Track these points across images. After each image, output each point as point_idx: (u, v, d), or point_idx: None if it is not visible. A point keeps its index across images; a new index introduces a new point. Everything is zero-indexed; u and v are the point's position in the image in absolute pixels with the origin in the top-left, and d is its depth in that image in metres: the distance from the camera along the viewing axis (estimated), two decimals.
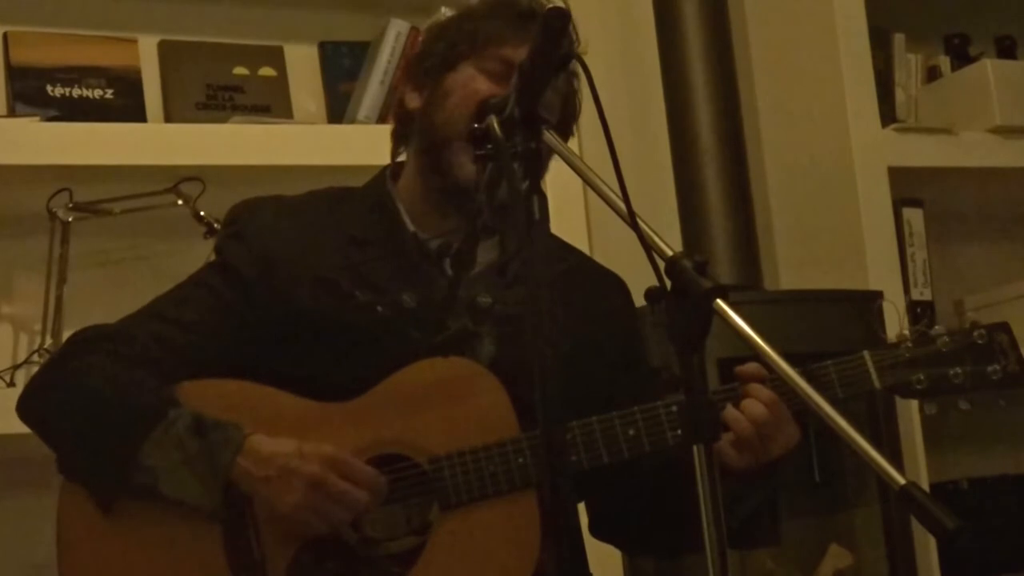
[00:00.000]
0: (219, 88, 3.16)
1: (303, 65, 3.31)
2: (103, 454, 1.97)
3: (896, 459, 3.12)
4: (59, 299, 2.94)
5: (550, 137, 1.71)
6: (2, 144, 2.84)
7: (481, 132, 1.72)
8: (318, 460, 1.91)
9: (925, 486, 3.05)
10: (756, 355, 1.61)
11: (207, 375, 2.02)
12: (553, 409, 1.58)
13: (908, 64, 3.69)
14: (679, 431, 1.93)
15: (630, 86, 3.55)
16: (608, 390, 2.05)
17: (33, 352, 2.96)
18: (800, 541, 3.24)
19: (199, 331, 2.05)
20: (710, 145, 3.38)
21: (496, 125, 1.69)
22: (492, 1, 2.14)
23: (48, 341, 2.93)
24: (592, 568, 2.13)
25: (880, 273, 3.36)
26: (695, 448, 1.55)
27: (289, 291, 2.05)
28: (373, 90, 3.20)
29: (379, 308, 2.04)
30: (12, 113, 3.01)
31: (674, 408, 1.95)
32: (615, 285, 2.23)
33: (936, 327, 2.02)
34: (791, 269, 3.62)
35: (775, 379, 1.93)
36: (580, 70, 1.71)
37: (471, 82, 2.07)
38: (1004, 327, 2.02)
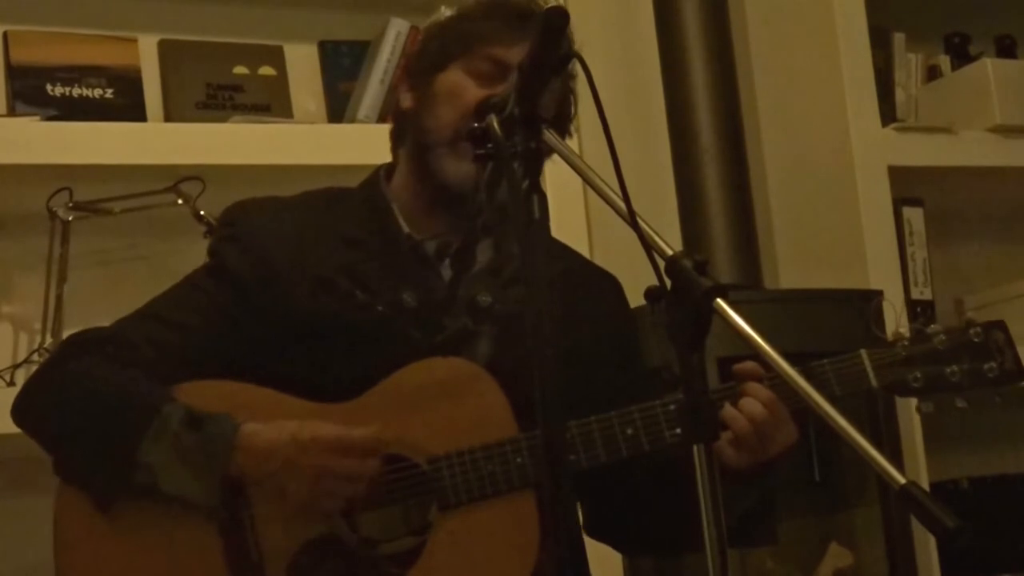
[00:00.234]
0: (219, 87, 3.16)
1: (303, 64, 3.31)
2: (102, 454, 1.96)
3: (896, 458, 3.11)
4: (59, 298, 2.94)
5: (550, 136, 1.72)
6: (2, 143, 2.84)
7: (481, 131, 1.72)
8: (316, 448, 1.91)
9: (925, 485, 3.03)
10: (756, 354, 1.61)
11: (205, 376, 2.02)
12: (552, 409, 1.58)
13: (908, 63, 3.68)
14: (677, 430, 1.93)
15: (630, 86, 3.55)
16: (605, 391, 2.04)
17: (33, 351, 2.96)
18: (800, 540, 3.23)
19: (194, 333, 2.05)
20: (710, 145, 3.37)
21: (496, 124, 1.69)
22: (488, 1, 2.14)
23: (48, 340, 2.92)
24: (592, 568, 2.12)
25: (880, 272, 3.36)
26: (695, 448, 1.56)
27: (288, 292, 2.05)
28: (373, 90, 3.19)
29: (379, 308, 2.04)
30: (12, 112, 3.00)
31: (672, 407, 1.95)
32: (610, 286, 2.23)
33: (933, 325, 2.02)
34: (791, 268, 3.61)
35: (773, 378, 1.93)
36: (580, 70, 1.70)
37: (457, 88, 2.06)
38: (1000, 325, 2.03)
